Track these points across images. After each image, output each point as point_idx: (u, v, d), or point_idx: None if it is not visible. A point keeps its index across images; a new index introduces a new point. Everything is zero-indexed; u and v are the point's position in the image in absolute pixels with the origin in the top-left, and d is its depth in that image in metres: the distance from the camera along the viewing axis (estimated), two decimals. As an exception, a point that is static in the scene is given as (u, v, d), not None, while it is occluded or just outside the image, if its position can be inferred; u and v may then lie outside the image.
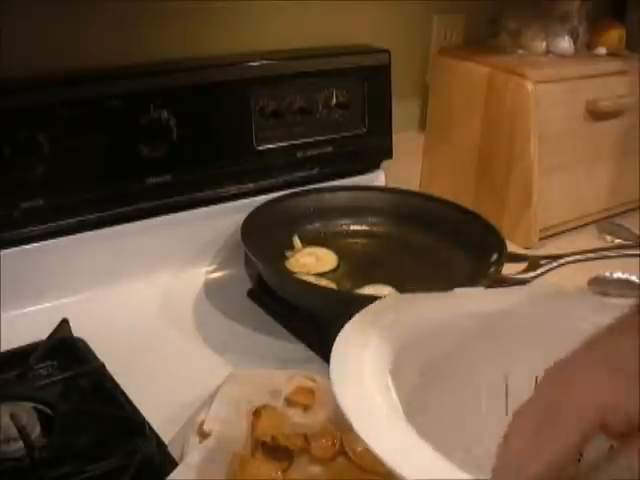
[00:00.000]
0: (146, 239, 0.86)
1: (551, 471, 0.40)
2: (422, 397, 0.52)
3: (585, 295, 0.62)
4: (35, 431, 0.60)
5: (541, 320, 0.60)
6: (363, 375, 0.46)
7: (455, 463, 0.40)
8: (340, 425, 0.61)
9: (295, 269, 0.87)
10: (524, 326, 0.60)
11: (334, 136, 0.98)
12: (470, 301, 0.61)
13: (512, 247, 0.88)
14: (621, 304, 0.54)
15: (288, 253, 0.90)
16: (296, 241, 0.92)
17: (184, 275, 0.89)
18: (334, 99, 0.97)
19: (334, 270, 0.88)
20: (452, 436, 0.51)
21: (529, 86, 1.00)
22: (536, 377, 0.57)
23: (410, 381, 0.51)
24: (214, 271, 0.92)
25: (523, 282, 0.83)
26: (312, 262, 0.88)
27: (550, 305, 0.62)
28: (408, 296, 0.61)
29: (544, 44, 1.12)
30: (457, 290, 0.62)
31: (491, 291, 0.64)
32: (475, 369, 0.58)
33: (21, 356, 0.69)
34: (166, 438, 0.62)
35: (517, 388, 0.58)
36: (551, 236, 1.06)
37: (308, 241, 0.92)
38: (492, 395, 0.58)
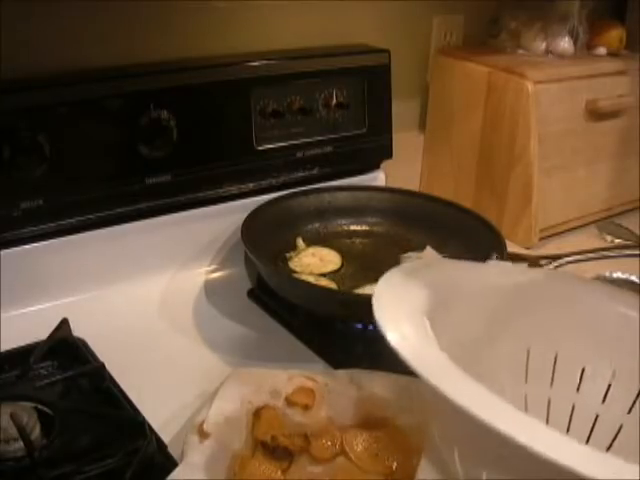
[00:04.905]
0: (146, 239, 0.86)
1: None
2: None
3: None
4: (35, 431, 0.60)
5: (563, 299, 0.64)
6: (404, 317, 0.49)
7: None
8: (340, 424, 0.61)
9: (299, 269, 0.87)
10: (547, 303, 0.63)
11: (334, 136, 0.98)
12: (500, 273, 0.65)
13: (512, 247, 0.88)
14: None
15: (289, 253, 0.90)
16: (299, 242, 0.92)
17: (184, 275, 0.89)
18: (334, 99, 0.97)
19: (337, 270, 0.88)
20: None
21: (529, 86, 1.00)
22: (556, 353, 0.61)
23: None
24: (214, 271, 0.92)
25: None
26: (316, 262, 0.88)
27: (570, 287, 0.66)
28: (445, 260, 0.66)
29: (544, 44, 1.12)
30: (490, 262, 0.69)
31: (521, 267, 0.69)
32: (499, 340, 0.60)
33: (21, 356, 0.69)
34: (166, 438, 0.62)
35: (537, 361, 0.61)
36: (551, 236, 1.06)
37: (308, 241, 0.92)
38: (512, 365, 0.61)
